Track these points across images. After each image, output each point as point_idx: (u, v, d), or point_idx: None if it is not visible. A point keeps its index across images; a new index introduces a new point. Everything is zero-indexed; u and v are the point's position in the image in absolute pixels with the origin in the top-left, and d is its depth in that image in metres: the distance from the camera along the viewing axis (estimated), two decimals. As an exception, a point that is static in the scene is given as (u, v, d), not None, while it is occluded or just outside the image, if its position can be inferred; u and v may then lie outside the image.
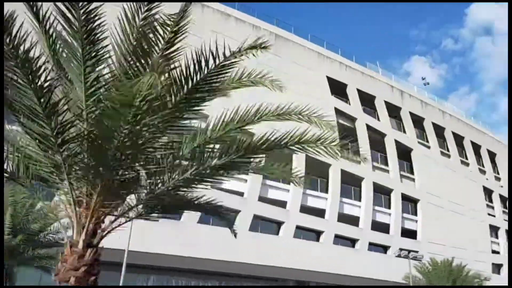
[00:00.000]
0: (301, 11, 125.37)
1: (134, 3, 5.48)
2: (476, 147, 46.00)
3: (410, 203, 36.97)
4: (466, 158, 44.53)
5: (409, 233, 35.75)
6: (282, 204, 28.79)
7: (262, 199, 27.73)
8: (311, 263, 28.55)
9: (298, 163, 29.48)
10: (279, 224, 28.16)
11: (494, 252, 42.89)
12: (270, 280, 30.41)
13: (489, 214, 44.04)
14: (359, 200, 32.98)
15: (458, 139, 44.00)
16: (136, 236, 20.57)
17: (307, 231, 29.36)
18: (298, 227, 28.63)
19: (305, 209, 29.61)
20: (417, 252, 33.82)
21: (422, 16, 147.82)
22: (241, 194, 26.97)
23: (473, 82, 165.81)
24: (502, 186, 47.84)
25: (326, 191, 31.29)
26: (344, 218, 31.57)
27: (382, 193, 35.01)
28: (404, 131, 38.78)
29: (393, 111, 38.65)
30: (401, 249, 27.72)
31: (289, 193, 29.02)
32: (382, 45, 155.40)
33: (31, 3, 5.18)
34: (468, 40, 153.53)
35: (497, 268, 42.84)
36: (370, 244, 31.95)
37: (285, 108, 6.80)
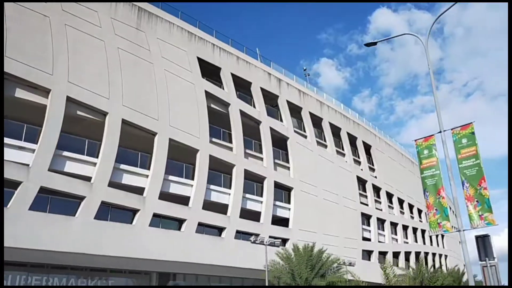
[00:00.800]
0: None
1: None
2: (352, 139, 47.59)
3: (284, 191, 36.70)
4: (342, 149, 45.78)
5: (281, 221, 35.44)
6: (140, 190, 26.42)
7: (115, 185, 25.11)
8: (174, 254, 26.66)
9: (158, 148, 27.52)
10: (134, 212, 25.75)
11: (365, 239, 44.59)
12: (131, 273, 28.01)
13: (361, 203, 45.73)
14: (229, 187, 31.73)
15: (335, 130, 45.06)
16: None
17: (167, 219, 27.30)
18: (156, 215, 26.44)
19: (166, 196, 27.54)
20: (287, 240, 33.65)
21: (329, 21, 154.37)
22: (88, 178, 24.11)
23: (374, 86, 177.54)
24: (376, 177, 50.13)
25: (193, 177, 29.54)
26: (211, 206, 30.10)
27: (254, 180, 34.20)
28: (281, 120, 38.49)
29: (270, 99, 38.18)
30: (256, 236, 26.87)
31: (147, 179, 26.74)
32: (294, 47, 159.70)
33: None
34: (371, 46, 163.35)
35: (367, 254, 44.62)
36: (238, 232, 30.84)
37: None
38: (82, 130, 25.20)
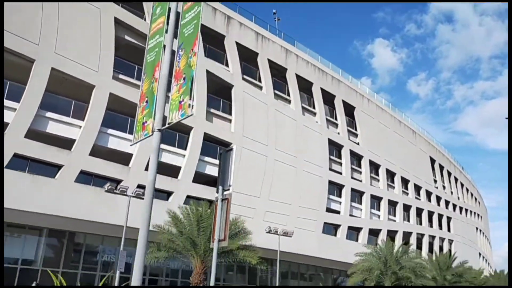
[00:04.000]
0: None
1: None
2: (329, 97, 41.18)
3: (220, 146, 31.36)
4: (314, 107, 39.60)
5: (211, 181, 30.25)
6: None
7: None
8: (49, 206, 22.29)
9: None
10: (-12, 150, 21.33)
11: (333, 211, 38.66)
12: (10, 227, 24.02)
13: (333, 170, 39.62)
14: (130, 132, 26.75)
15: (305, 85, 38.87)
16: None
17: (39, 163, 22.74)
18: (20, 157, 21.93)
19: (44, 137, 23.02)
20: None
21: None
22: None
23: (431, 69, 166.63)
24: (358, 143, 43.69)
25: (83, 118, 24.76)
26: (111, 155, 25.41)
27: (177, 130, 29.05)
28: (227, 64, 32.87)
29: (215, 39, 32.53)
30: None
31: (14, 112, 22.17)
32: (348, 26, 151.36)
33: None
34: (430, 26, 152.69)
35: (334, 228, 38.77)
36: (142, 187, 25.88)
37: None
38: None
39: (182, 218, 21.86)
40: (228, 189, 8.52)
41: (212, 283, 8.91)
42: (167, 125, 7.06)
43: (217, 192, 8.61)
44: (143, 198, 18.83)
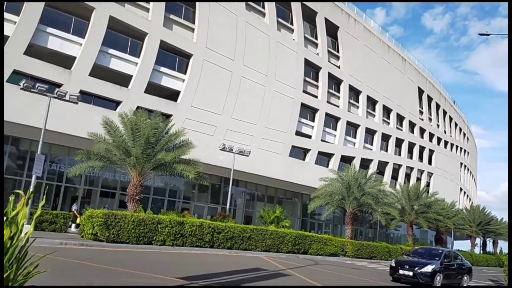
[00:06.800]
0: None
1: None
2: (309, 13, 38.12)
3: (180, 57, 29.23)
4: (292, 23, 36.77)
5: (169, 94, 28.53)
6: None
7: None
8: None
9: None
10: None
11: (304, 135, 37.30)
12: None
13: (307, 93, 37.67)
14: (83, 36, 24.52)
15: (283, -3, 35.78)
16: None
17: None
18: None
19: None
20: (170, 116, 27.01)
21: None
22: None
23: (449, 2, 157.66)
24: (339, 67, 41.31)
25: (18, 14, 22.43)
26: (53, 57, 23.40)
27: (131, 35, 26.77)
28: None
29: None
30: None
31: None
32: None
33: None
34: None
35: (304, 153, 37.59)
36: (86, 94, 24.11)
37: None
38: None
39: (120, 126, 20.38)
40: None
41: None
42: None
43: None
44: (68, 101, 17.19)
